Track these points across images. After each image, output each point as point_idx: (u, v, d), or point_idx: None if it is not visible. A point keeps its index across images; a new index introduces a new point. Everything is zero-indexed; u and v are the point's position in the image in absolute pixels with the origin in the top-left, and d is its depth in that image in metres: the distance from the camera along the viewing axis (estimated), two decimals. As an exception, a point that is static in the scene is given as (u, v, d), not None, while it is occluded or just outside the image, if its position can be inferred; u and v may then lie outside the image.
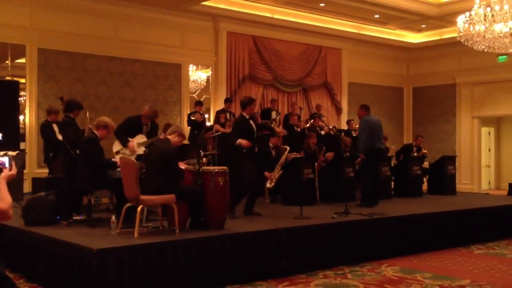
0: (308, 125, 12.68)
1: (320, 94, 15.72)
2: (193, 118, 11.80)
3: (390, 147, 12.57)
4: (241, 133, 7.77)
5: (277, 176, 9.33)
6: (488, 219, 9.08)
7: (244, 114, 7.96)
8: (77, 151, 7.08)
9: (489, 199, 11.44)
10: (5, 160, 3.44)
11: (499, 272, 6.73)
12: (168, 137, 6.56)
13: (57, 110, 9.15)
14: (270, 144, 10.07)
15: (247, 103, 7.99)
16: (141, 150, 7.76)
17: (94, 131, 6.96)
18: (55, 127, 9.00)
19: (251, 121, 7.99)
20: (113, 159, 7.11)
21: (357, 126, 13.27)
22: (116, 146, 7.97)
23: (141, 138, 8.04)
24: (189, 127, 12.09)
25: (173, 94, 13.17)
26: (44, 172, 9.66)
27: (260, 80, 14.45)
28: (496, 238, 8.93)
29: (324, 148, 10.81)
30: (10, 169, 3.24)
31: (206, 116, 13.59)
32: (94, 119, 7.33)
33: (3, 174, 3.18)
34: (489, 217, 9.15)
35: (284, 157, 9.47)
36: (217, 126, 11.08)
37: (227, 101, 12.22)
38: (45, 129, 9.04)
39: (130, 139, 7.99)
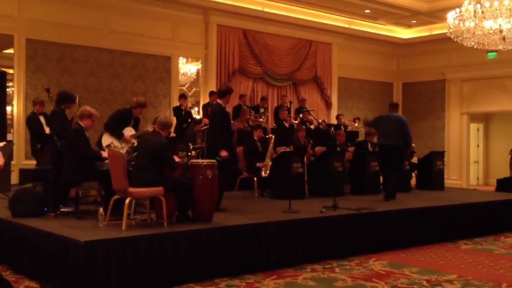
0: (297, 120, 12.67)
1: (310, 89, 15.72)
2: (181, 107, 11.80)
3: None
4: (224, 125, 7.49)
5: (270, 164, 9.41)
6: (476, 215, 9.12)
7: (221, 102, 7.51)
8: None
9: (477, 195, 11.47)
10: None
11: (486, 267, 6.76)
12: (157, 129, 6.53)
13: (42, 101, 9.05)
14: (255, 138, 10.08)
15: (227, 92, 7.54)
16: (135, 141, 7.67)
17: (79, 121, 6.89)
18: (41, 118, 8.91)
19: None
20: (102, 152, 7.05)
21: (345, 120, 13.48)
22: (106, 139, 7.74)
23: (130, 131, 7.96)
24: (175, 117, 12.09)
25: (163, 87, 13.11)
26: (31, 163, 9.58)
27: (250, 73, 14.42)
28: (484, 233, 8.98)
29: (312, 142, 10.81)
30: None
31: (196, 109, 13.55)
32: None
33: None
34: (477, 212, 9.19)
35: (271, 145, 9.55)
36: (206, 120, 11.03)
37: (212, 94, 12.15)
38: (31, 122, 8.95)
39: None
